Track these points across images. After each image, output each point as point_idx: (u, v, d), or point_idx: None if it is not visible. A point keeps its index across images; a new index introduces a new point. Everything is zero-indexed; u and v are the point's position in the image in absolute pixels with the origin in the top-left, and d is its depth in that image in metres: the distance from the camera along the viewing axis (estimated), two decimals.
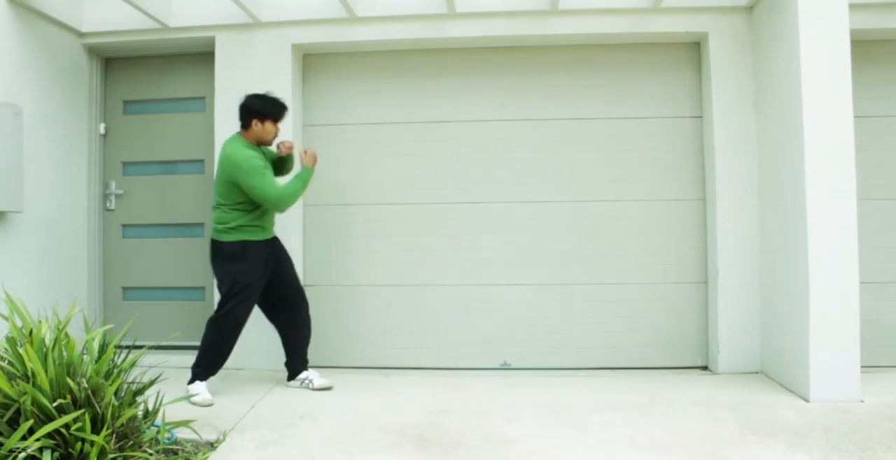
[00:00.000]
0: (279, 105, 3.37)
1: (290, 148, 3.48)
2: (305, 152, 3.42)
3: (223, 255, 3.30)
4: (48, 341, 2.20)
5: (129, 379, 2.39)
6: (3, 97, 3.37)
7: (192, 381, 3.27)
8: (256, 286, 3.31)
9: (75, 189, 4.01)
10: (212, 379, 3.31)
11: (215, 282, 3.39)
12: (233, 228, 3.27)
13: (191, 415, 2.59)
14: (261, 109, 3.32)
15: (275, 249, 3.44)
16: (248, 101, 3.35)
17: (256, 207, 3.30)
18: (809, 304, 3.12)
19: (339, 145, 4.06)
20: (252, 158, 3.23)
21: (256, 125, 3.32)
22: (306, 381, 3.49)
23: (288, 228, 3.85)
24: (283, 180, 3.44)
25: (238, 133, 3.39)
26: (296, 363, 3.54)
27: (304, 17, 3.91)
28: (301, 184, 3.32)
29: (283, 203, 3.27)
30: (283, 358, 3.53)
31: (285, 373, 3.54)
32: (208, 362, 3.30)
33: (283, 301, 3.48)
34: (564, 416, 2.95)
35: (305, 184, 3.34)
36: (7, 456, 1.94)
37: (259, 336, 3.63)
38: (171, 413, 2.50)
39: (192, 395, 3.18)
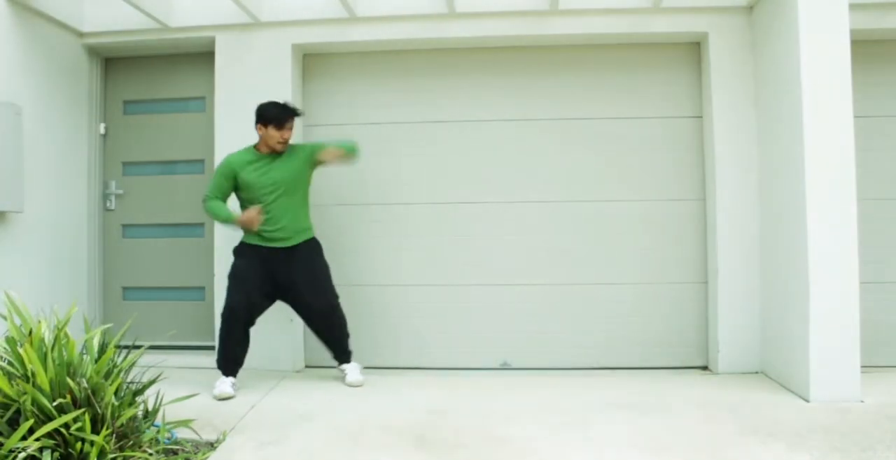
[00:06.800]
0: (280, 110, 3.37)
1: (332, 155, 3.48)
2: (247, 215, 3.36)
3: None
4: (48, 341, 2.20)
5: (129, 379, 2.40)
6: (3, 97, 3.36)
7: None
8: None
9: (75, 189, 4.01)
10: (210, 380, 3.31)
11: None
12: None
13: (190, 415, 2.59)
14: (262, 114, 3.39)
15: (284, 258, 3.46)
16: (258, 106, 3.42)
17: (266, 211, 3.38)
18: (809, 304, 3.11)
19: None
20: (226, 161, 3.43)
21: (260, 130, 3.39)
22: None
23: None
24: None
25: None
26: None
27: (304, 17, 3.91)
28: (218, 213, 3.38)
29: (205, 206, 3.43)
30: (281, 358, 3.54)
31: (286, 373, 3.53)
32: None
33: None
34: (564, 416, 2.95)
35: (217, 218, 3.42)
36: (7, 456, 1.94)
37: (259, 335, 3.62)
38: (171, 413, 2.50)
39: None
